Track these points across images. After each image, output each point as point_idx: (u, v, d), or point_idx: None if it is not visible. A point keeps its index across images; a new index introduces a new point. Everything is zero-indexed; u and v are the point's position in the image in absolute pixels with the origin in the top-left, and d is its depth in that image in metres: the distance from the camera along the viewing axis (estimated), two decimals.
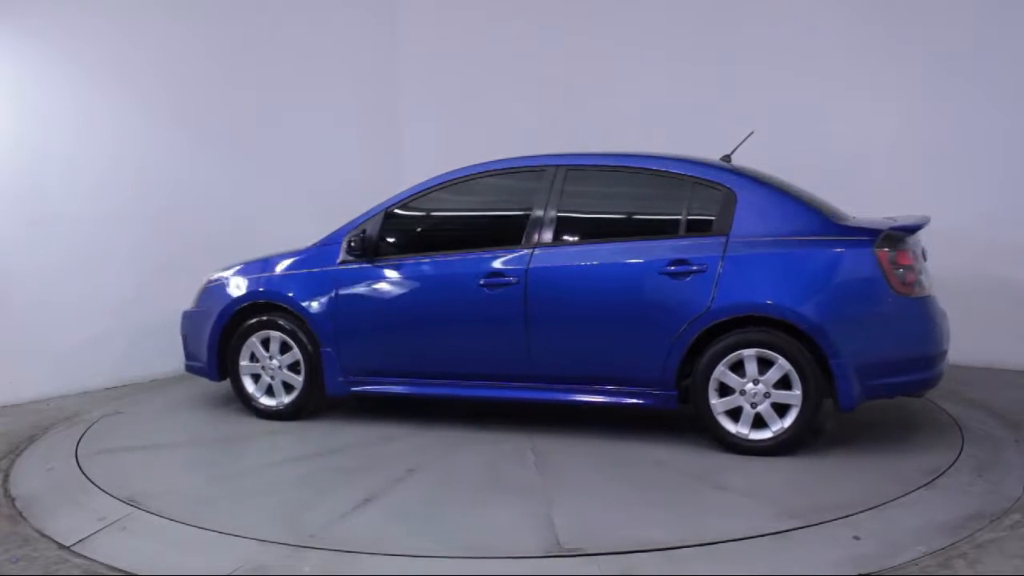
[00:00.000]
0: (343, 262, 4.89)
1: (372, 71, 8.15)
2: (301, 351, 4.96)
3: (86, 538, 3.40)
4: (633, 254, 4.38)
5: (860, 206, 4.99)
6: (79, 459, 4.38)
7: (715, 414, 4.22)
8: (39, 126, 5.86)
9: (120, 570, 3.12)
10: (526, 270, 4.48)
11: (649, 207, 4.66)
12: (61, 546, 3.35)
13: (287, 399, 5.04)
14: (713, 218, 4.32)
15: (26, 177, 5.79)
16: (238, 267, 5.31)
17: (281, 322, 5.01)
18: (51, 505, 3.81)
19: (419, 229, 5.07)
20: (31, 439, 4.87)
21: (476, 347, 4.64)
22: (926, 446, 4.24)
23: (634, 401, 4.41)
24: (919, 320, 4.15)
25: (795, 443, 4.14)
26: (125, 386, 6.18)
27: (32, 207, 5.81)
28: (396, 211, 4.90)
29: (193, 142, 6.68)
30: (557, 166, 4.66)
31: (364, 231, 4.83)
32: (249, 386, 5.14)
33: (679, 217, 4.41)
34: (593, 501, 3.65)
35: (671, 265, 4.26)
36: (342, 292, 4.86)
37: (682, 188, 4.43)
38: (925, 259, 4.48)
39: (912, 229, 4.23)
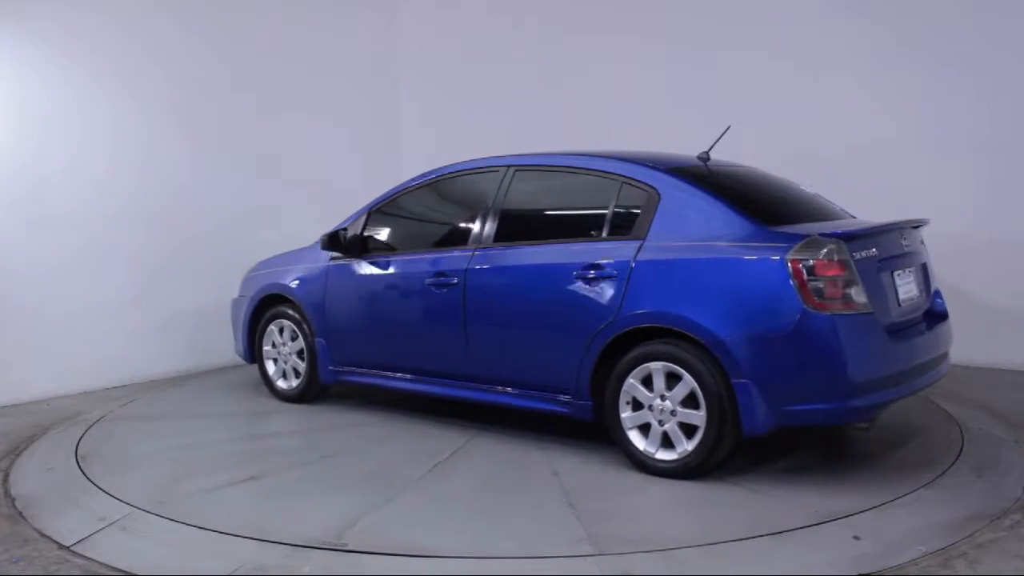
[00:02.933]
0: (333, 259, 5.21)
1: (372, 72, 8.15)
2: (304, 340, 5.33)
3: (86, 538, 3.40)
4: (554, 257, 4.24)
5: (864, 204, 4.98)
6: (79, 459, 4.38)
7: (625, 429, 3.97)
8: (40, 126, 5.86)
9: (120, 570, 3.12)
10: (465, 271, 4.53)
11: (579, 208, 4.50)
12: (61, 546, 3.35)
13: (295, 383, 5.47)
14: (634, 220, 4.08)
15: (26, 177, 5.79)
16: (268, 260, 5.76)
17: (290, 312, 5.41)
18: (51, 505, 3.81)
19: (393, 229, 5.18)
20: (31, 439, 4.87)
21: (427, 344, 4.77)
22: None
23: (554, 408, 4.27)
24: (837, 341, 3.55)
25: (701, 469, 3.78)
26: (125, 386, 6.18)
27: (32, 207, 5.81)
28: (377, 211, 5.15)
29: (193, 142, 6.68)
30: (507, 167, 4.66)
31: (346, 229, 5.12)
32: (270, 368, 5.61)
33: (604, 219, 4.20)
34: (424, 504, 3.65)
35: (586, 270, 4.07)
36: (330, 286, 5.20)
37: (612, 188, 4.22)
38: (920, 269, 4.22)
39: (854, 235, 3.74)
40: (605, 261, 4.04)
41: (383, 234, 5.14)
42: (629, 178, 4.17)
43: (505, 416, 4.82)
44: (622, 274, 3.97)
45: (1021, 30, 5.77)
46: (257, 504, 3.75)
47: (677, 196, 4.01)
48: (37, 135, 5.85)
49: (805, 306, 3.55)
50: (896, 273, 3.99)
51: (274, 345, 5.55)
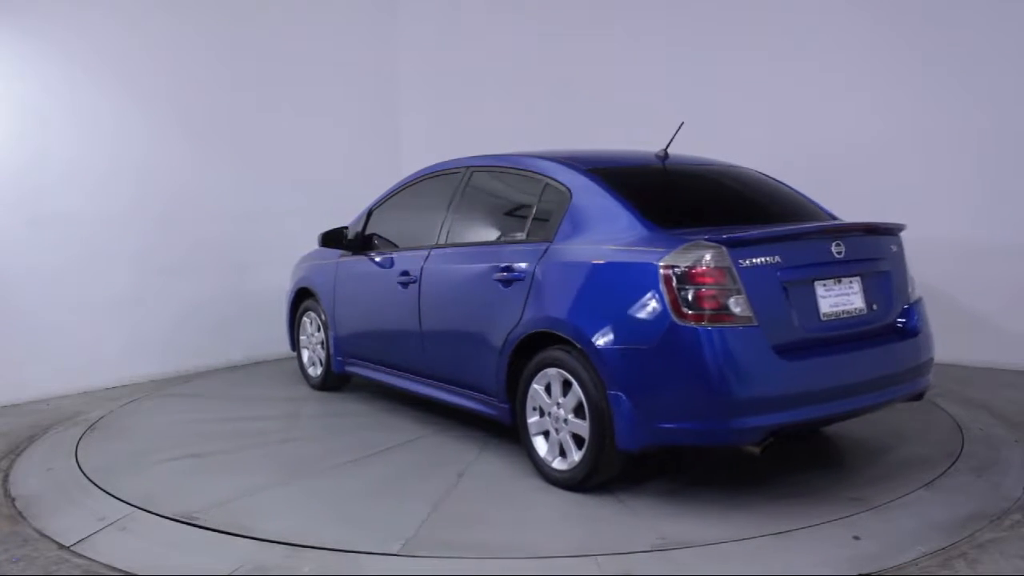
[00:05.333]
0: (341, 255, 5.45)
1: (372, 72, 8.16)
2: (324, 332, 5.63)
3: (86, 538, 3.40)
4: (482, 258, 4.23)
5: (863, 205, 4.98)
6: (79, 459, 4.39)
7: (530, 435, 3.89)
8: (39, 126, 5.87)
9: (120, 570, 3.12)
10: (421, 269, 4.63)
11: (511, 208, 4.45)
12: (61, 546, 3.35)
13: (318, 372, 5.80)
14: (548, 221, 3.99)
15: (26, 177, 5.80)
16: (307, 254, 6.02)
17: (315, 305, 5.74)
18: (51, 505, 3.82)
19: (384, 227, 5.26)
20: (31, 439, 4.87)
21: (397, 340, 4.90)
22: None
23: (485, 410, 4.25)
24: (709, 356, 3.27)
25: (586, 483, 3.63)
26: (125, 386, 6.18)
27: (32, 207, 5.81)
28: (375, 209, 5.34)
29: (194, 142, 6.69)
30: (466, 167, 4.70)
31: (347, 227, 5.37)
32: (304, 357, 5.97)
33: (527, 220, 4.12)
34: (303, 491, 3.87)
35: (502, 272, 4.03)
36: (336, 282, 5.47)
37: (536, 189, 4.14)
38: (878, 279, 3.79)
39: (741, 240, 3.41)
40: (516, 264, 3.99)
41: (377, 232, 5.28)
42: (551, 178, 4.08)
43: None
44: (528, 277, 3.90)
45: (1018, 31, 5.76)
46: (176, 479, 4.07)
47: (585, 197, 3.88)
48: (37, 135, 5.85)
49: (673, 316, 3.31)
50: (820, 283, 3.59)
51: (306, 335, 5.91)
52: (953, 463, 3.95)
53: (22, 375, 5.77)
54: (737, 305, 3.32)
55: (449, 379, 4.51)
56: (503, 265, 4.04)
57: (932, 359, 4.00)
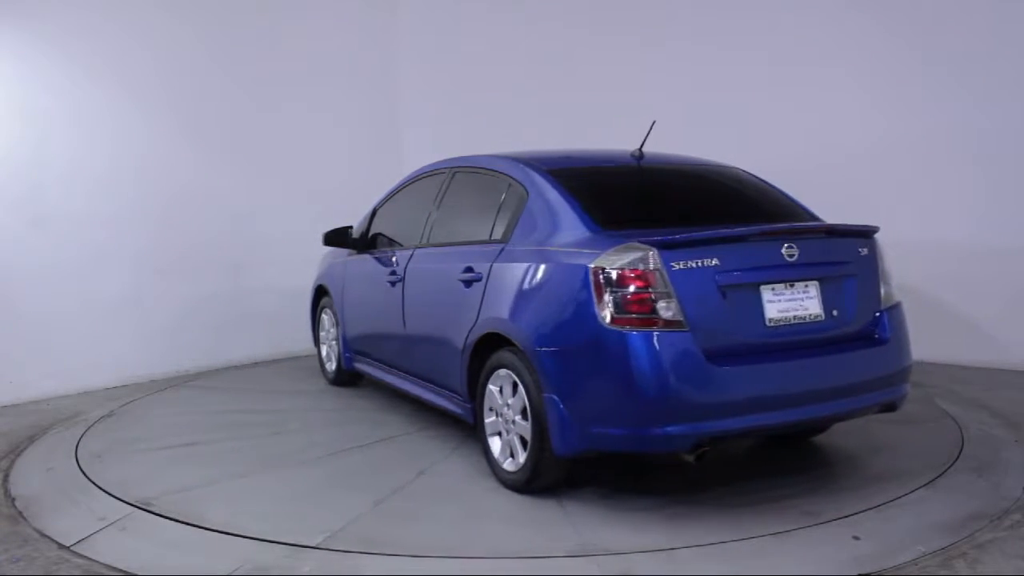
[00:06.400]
0: (349, 254, 5.54)
1: (372, 71, 8.15)
2: (337, 329, 5.74)
3: (86, 538, 3.40)
4: (450, 259, 4.25)
5: (863, 206, 4.97)
6: (79, 459, 4.39)
7: (487, 435, 3.89)
8: (39, 126, 5.87)
9: (120, 570, 3.12)
10: (405, 269, 4.70)
11: (481, 208, 4.36)
12: (61, 546, 3.36)
13: (332, 367, 5.93)
14: (507, 222, 3.98)
15: (26, 177, 5.80)
16: (328, 252, 6.02)
17: (329, 301, 5.85)
18: (51, 505, 3.82)
19: (384, 227, 5.31)
20: (31, 439, 4.87)
21: (388, 336, 4.98)
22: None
23: (454, 409, 4.27)
24: (634, 360, 3.19)
25: (530, 486, 3.61)
26: (125, 386, 6.18)
27: (32, 207, 5.82)
28: (379, 208, 5.41)
29: (193, 142, 6.69)
30: (449, 168, 4.73)
31: (350, 227, 5.47)
32: (323, 352, 6.10)
33: (493, 220, 4.09)
34: (260, 484, 3.97)
35: (465, 272, 4.04)
36: (345, 280, 5.57)
37: (501, 189, 4.12)
38: (840, 284, 3.58)
39: (676, 242, 3.30)
40: (476, 264, 3.99)
41: (377, 231, 5.35)
42: (513, 179, 4.06)
43: None
44: (484, 278, 3.90)
45: (1016, 32, 5.76)
46: (152, 467, 4.24)
47: (539, 197, 3.84)
48: (37, 135, 5.85)
49: (599, 319, 3.25)
50: (768, 287, 3.43)
51: (324, 332, 6.05)
52: (953, 463, 3.95)
53: (22, 375, 5.77)
54: (667, 309, 3.23)
55: (427, 378, 4.57)
56: (466, 266, 4.06)
57: (908, 368, 3.77)
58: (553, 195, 3.78)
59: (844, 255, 3.69)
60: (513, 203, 3.98)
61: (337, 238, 5.46)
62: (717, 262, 3.33)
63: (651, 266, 3.25)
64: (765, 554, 3.08)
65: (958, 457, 4.04)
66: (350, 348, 5.57)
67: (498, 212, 4.08)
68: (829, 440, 4.38)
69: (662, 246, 3.27)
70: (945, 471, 3.84)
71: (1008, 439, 4.34)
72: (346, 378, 5.80)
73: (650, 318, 3.22)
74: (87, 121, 6.10)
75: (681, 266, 3.27)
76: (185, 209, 6.61)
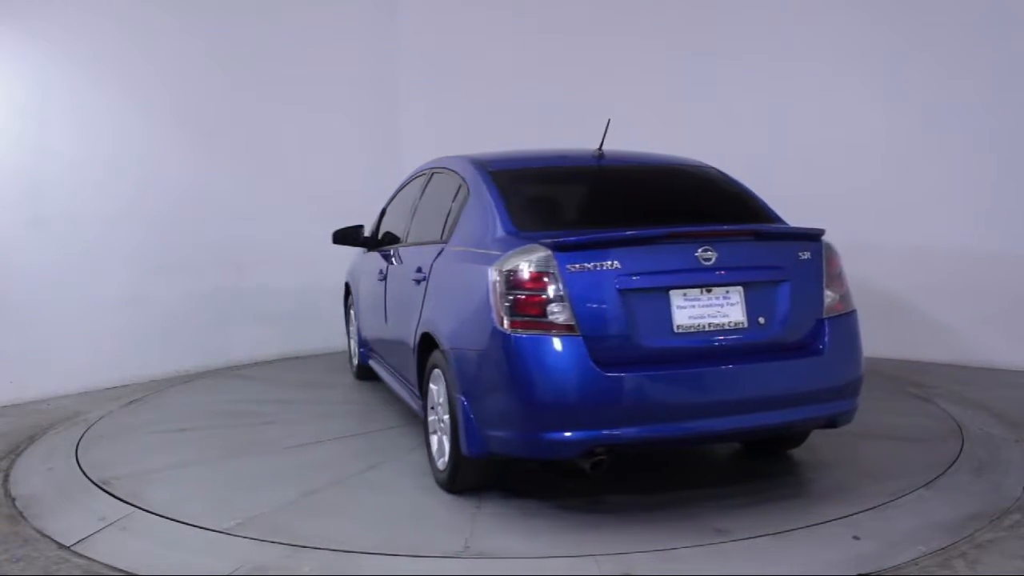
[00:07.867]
0: (363, 252, 5.70)
1: (372, 72, 8.14)
2: (353, 326, 6.00)
3: (86, 538, 3.40)
4: (410, 259, 4.39)
5: (862, 207, 4.97)
6: (79, 459, 4.39)
7: (428, 432, 3.90)
8: (39, 126, 5.86)
9: (120, 570, 3.12)
10: (387, 267, 4.87)
11: (441, 209, 4.34)
12: (61, 546, 3.35)
13: (355, 362, 6.10)
14: (452, 222, 4.00)
15: (26, 177, 5.79)
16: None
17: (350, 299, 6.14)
18: (51, 505, 3.82)
19: (386, 226, 5.40)
20: (31, 439, 4.87)
21: (379, 332, 5.12)
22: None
23: (413, 406, 4.35)
24: (520, 364, 3.15)
25: (452, 486, 3.62)
26: (125, 386, 6.18)
27: (32, 207, 5.81)
28: (385, 209, 5.56)
29: (193, 142, 6.68)
30: (430, 169, 4.80)
31: (360, 226, 5.52)
32: (351, 347, 6.26)
33: (446, 220, 4.10)
34: (202, 473, 4.13)
35: (416, 272, 4.12)
36: (357, 278, 5.81)
37: (454, 189, 4.14)
38: (768, 290, 3.37)
39: (569, 245, 3.22)
40: (423, 264, 4.05)
41: (383, 230, 5.42)
42: (463, 178, 4.07)
43: None
44: (426, 278, 3.97)
45: (1015, 34, 5.76)
46: (132, 450, 4.48)
47: (476, 197, 3.84)
48: (36, 135, 5.85)
49: (495, 322, 3.22)
50: (679, 292, 3.28)
51: (351, 327, 6.22)
52: (953, 463, 3.95)
53: (22, 375, 5.77)
54: (559, 312, 3.15)
55: (401, 374, 4.68)
56: (417, 266, 4.15)
57: (852, 382, 3.51)
58: (486, 196, 3.77)
59: (777, 260, 3.47)
60: (459, 203, 4.00)
61: (346, 237, 5.52)
62: (618, 265, 3.21)
63: (545, 268, 3.19)
64: (765, 554, 3.08)
65: (958, 457, 4.04)
66: (363, 343, 5.78)
67: (448, 212, 4.11)
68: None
69: (558, 248, 3.20)
70: (945, 471, 3.84)
71: (1008, 439, 4.34)
72: (366, 372, 5.85)
73: (542, 321, 3.16)
74: (87, 121, 6.09)
75: (577, 268, 3.19)
76: (185, 209, 6.60)
